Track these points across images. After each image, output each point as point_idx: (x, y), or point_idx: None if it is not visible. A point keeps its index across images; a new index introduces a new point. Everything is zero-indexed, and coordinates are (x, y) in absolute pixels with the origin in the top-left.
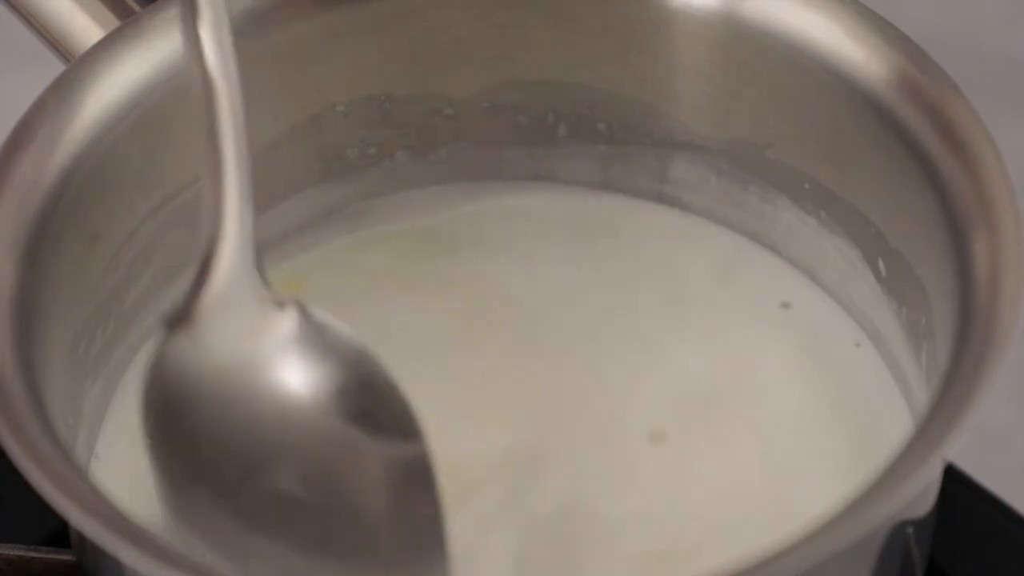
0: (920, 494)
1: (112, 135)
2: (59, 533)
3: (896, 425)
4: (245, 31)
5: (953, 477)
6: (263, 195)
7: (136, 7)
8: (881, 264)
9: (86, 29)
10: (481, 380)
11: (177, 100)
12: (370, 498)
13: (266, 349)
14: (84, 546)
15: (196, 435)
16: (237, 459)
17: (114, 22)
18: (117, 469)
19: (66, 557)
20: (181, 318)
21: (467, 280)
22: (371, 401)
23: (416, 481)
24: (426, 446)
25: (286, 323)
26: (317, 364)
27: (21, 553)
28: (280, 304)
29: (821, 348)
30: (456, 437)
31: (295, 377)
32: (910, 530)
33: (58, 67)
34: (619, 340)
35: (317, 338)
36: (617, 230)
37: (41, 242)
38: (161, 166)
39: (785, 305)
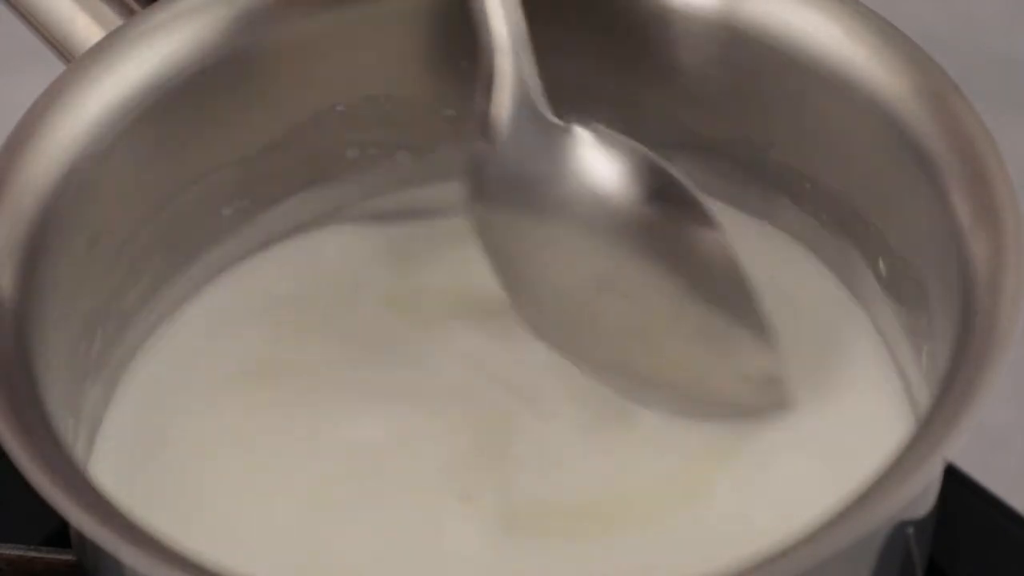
0: (920, 494)
1: (112, 135)
2: (59, 533)
3: (897, 425)
4: (244, 31)
5: (953, 477)
6: (263, 195)
7: (136, 7)
8: (881, 264)
9: (86, 29)
10: (470, 382)
11: (177, 100)
12: (692, 286)
13: (568, 166)
14: (84, 546)
15: (520, 246)
16: (557, 266)
17: (115, 22)
18: (117, 469)
19: (66, 557)
20: (484, 135)
21: (465, 280)
22: (670, 205)
23: (728, 266)
24: (727, 236)
25: (579, 141)
26: (618, 177)
27: (21, 553)
28: (568, 127)
29: (821, 349)
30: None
31: (602, 189)
32: (910, 530)
33: (58, 67)
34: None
35: (610, 153)
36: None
37: (41, 242)
38: (161, 167)
39: (785, 305)
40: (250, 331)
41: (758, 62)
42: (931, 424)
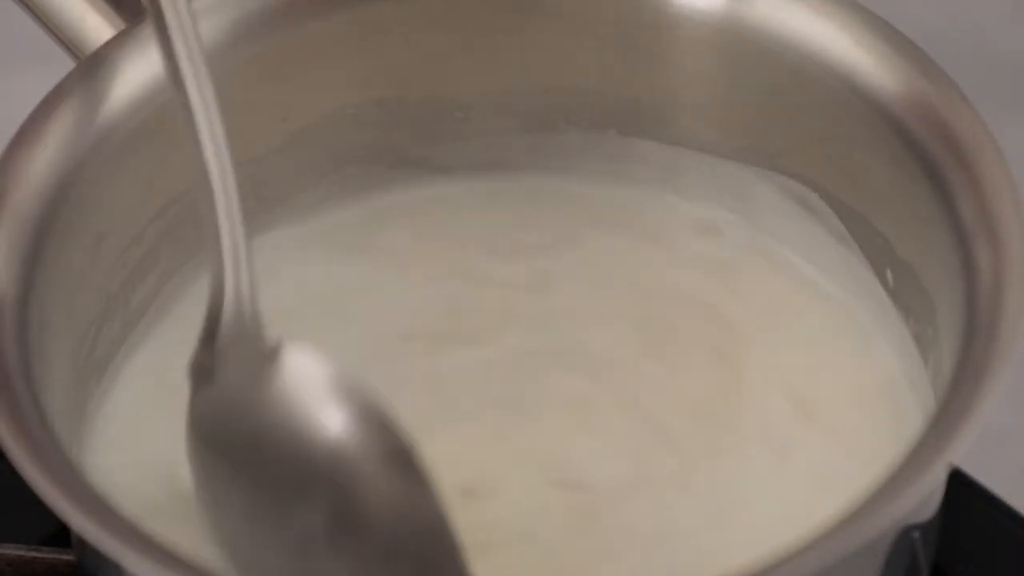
0: (926, 498)
1: (118, 135)
2: (60, 533)
3: (903, 432)
4: (255, 32)
5: (957, 479)
6: (271, 196)
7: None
8: (889, 274)
9: (97, 29)
10: (463, 378)
11: None
12: (384, 518)
13: (271, 396)
14: (84, 546)
15: (231, 476)
16: (267, 498)
17: (125, 22)
18: (118, 470)
19: (67, 557)
20: (199, 369)
21: (463, 280)
22: (371, 432)
23: (419, 492)
24: (423, 464)
25: (283, 370)
26: (318, 406)
27: (22, 553)
28: (273, 351)
29: (826, 357)
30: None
31: (304, 420)
32: (916, 534)
33: (63, 68)
34: (612, 345)
35: (314, 381)
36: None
37: (46, 242)
38: (167, 167)
39: (789, 313)
40: None
41: (765, 69)
42: (935, 430)
